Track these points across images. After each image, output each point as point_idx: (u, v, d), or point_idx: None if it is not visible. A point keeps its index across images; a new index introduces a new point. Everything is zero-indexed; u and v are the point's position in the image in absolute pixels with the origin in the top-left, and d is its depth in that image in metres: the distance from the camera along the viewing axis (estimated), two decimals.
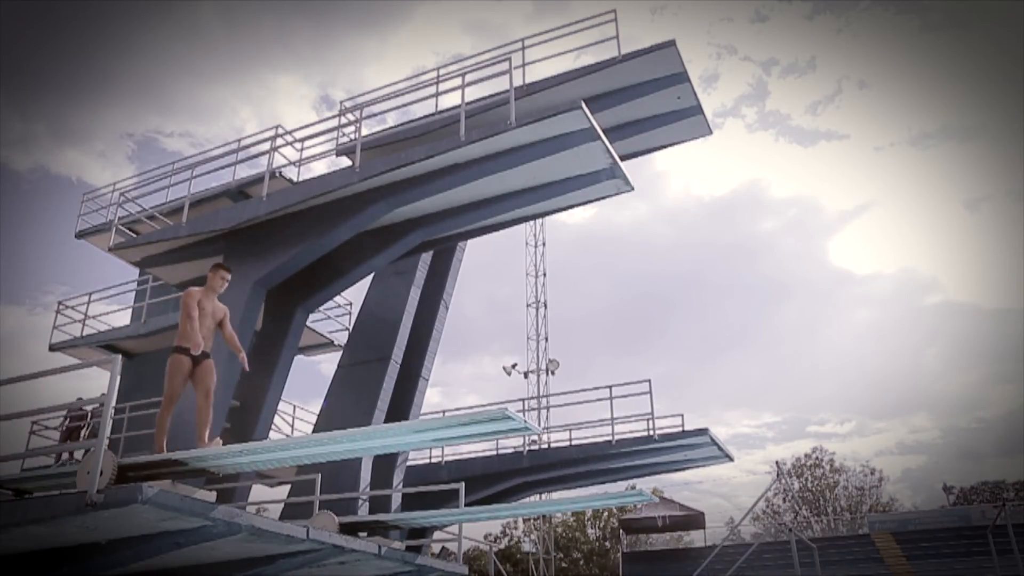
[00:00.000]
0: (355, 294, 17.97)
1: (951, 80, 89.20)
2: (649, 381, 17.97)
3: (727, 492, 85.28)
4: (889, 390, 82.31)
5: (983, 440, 77.34)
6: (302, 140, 14.21)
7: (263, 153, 13.99)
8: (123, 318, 18.80)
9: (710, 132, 15.67)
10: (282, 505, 14.14)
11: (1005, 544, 24.12)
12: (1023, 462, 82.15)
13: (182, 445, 10.82)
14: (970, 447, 76.65)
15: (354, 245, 12.93)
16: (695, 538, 43.21)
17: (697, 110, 14.91)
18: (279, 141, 13.87)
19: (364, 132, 13.86)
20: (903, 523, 37.23)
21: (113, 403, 6.65)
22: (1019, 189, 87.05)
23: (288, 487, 14.93)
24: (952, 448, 77.22)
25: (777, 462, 32.37)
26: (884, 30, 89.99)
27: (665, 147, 16.33)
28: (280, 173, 15.60)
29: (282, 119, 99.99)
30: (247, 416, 12.88)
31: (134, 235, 15.60)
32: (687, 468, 21.47)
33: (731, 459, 20.28)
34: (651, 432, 17.99)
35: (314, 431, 15.38)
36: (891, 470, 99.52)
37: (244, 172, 16.68)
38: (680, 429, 18.26)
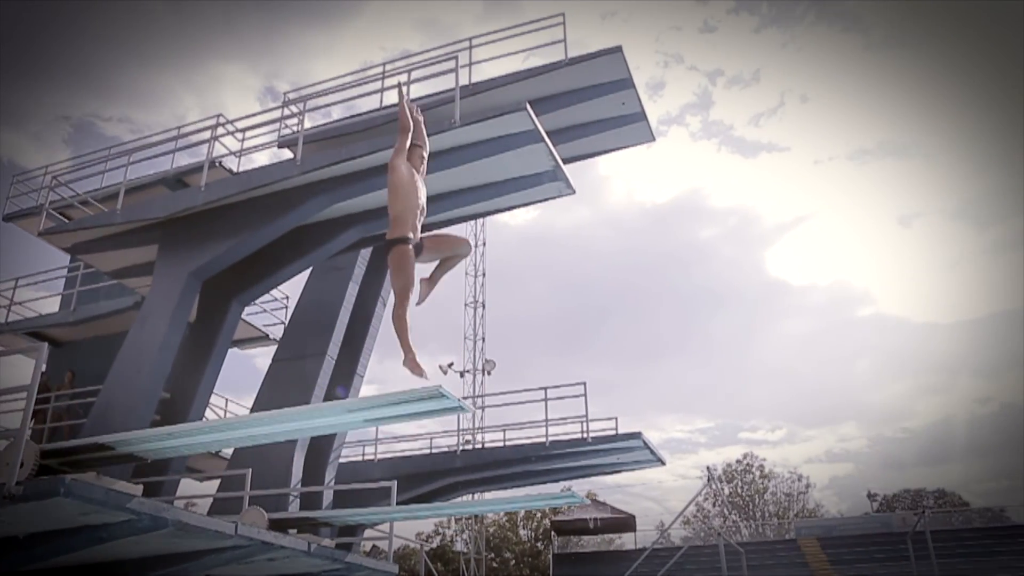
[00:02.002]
0: (292, 288, 17.79)
1: (890, 98, 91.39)
2: (584, 384, 18.09)
3: (659, 496, 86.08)
4: (819, 399, 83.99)
5: (907, 450, 79.45)
6: (243, 130, 14.01)
7: (203, 142, 13.77)
8: (51, 305, 18.35)
9: (653, 139, 15.80)
10: (211, 500, 13.94)
11: (923, 550, 24.84)
12: (943, 471, 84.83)
13: (111, 429, 10.62)
14: (895, 456, 78.64)
15: (292, 239, 12.79)
16: (626, 540, 43.57)
17: (641, 116, 15.02)
18: (220, 130, 13.67)
19: (308, 125, 13.73)
20: (828, 529, 38.02)
21: (35, 392, 6.47)
22: (951, 207, 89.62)
23: (218, 482, 14.73)
24: (878, 457, 79.19)
25: (708, 467, 32.90)
26: (827, 47, 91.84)
27: (608, 152, 16.40)
28: (220, 163, 15.36)
29: (226, 109, 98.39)
30: (178, 408, 12.66)
31: (66, 220, 15.22)
32: (620, 471, 21.62)
33: (663, 463, 20.49)
34: (585, 434, 18.09)
35: None
36: (819, 477, 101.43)
37: (183, 161, 16.37)
38: (614, 432, 18.40)
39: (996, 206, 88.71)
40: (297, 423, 6.37)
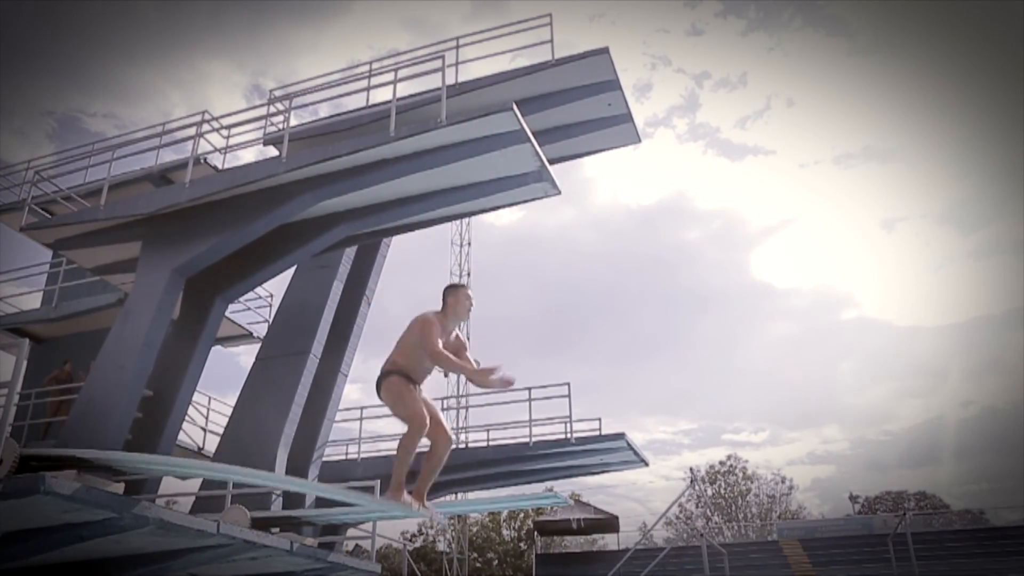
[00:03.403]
0: (276, 286, 17.73)
1: (874, 103, 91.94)
2: (568, 384, 18.12)
3: (642, 496, 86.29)
4: (803, 402, 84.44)
5: (889, 452, 79.99)
6: (229, 127, 13.96)
7: (188, 138, 13.69)
8: (33, 301, 18.22)
9: (639, 140, 15.85)
10: (193, 498, 13.88)
11: (904, 552, 24.99)
12: (925, 474, 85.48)
13: (92, 431, 10.58)
14: (876, 458, 79.18)
15: (277, 236, 12.74)
16: (609, 541, 43.59)
17: (627, 118, 15.06)
18: (205, 127, 13.61)
19: (294, 123, 13.69)
20: (810, 530, 38.18)
21: (18, 388, 6.43)
22: (934, 211, 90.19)
23: (200, 480, 14.65)
24: (859, 459, 79.66)
25: (691, 468, 32.98)
26: (814, 51, 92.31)
27: (594, 153, 16.44)
28: (205, 160, 15.29)
29: (212, 106, 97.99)
30: (160, 407, 12.59)
31: (48, 216, 15.12)
32: (603, 472, 21.65)
33: (646, 464, 20.55)
34: (569, 435, 18.11)
35: (229, 423, 15.08)
36: (801, 479, 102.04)
37: (168, 157, 16.30)
38: (597, 433, 18.43)
39: (979, 211, 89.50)
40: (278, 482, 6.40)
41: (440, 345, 5.98)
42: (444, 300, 6.31)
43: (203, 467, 6.85)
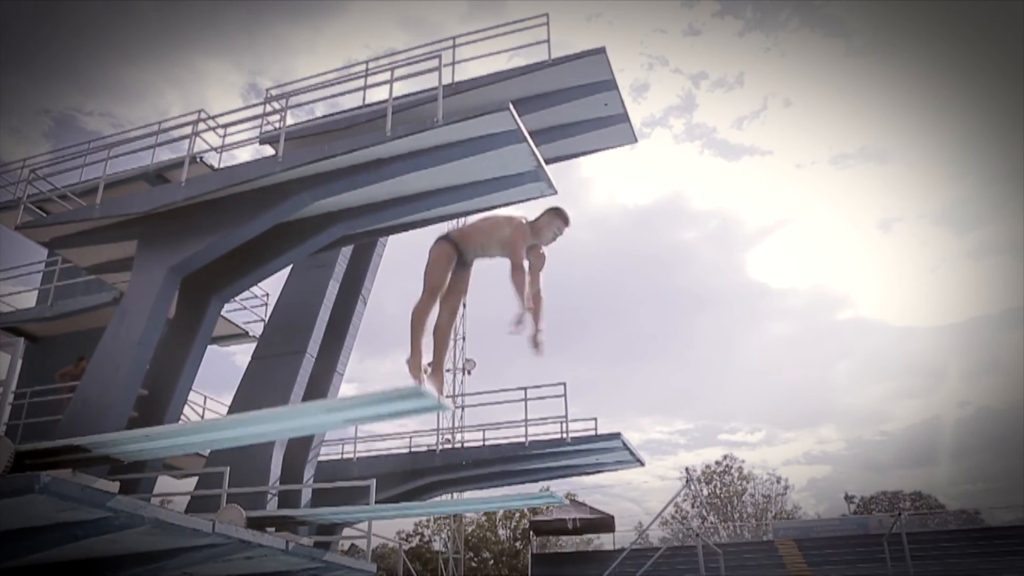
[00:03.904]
0: (272, 285, 17.73)
1: (871, 103, 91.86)
2: (564, 384, 18.14)
3: (637, 496, 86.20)
4: (799, 402, 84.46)
5: (885, 452, 79.98)
6: (225, 126, 13.96)
7: (184, 137, 13.69)
8: (28, 300, 18.20)
9: (635, 140, 15.86)
10: (188, 498, 13.87)
11: (899, 552, 25.02)
12: (920, 474, 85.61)
13: (87, 430, 10.55)
14: (872, 459, 79.17)
15: (273, 235, 12.73)
16: (605, 541, 43.63)
17: (623, 118, 15.08)
18: (201, 126, 13.60)
19: (290, 122, 13.68)
20: (805, 530, 38.18)
21: (13, 387, 6.42)
22: (930, 212, 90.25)
23: (195, 479, 14.65)
24: (855, 459, 79.69)
25: (687, 468, 32.98)
26: (811, 52, 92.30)
27: (591, 153, 16.46)
28: (201, 159, 15.29)
29: (209, 105, 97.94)
30: (155, 406, 12.59)
31: (44, 214, 15.10)
32: (599, 471, 21.66)
33: (642, 464, 20.57)
34: (565, 435, 18.12)
35: None
36: (797, 479, 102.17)
37: (164, 156, 16.29)
38: (593, 433, 18.44)
39: (976, 211, 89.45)
40: (276, 424, 6.33)
41: (524, 260, 5.81)
42: (540, 217, 6.10)
43: (206, 427, 6.76)
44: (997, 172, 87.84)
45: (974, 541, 32.62)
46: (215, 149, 14.05)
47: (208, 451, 14.94)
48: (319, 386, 15.85)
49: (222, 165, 14.38)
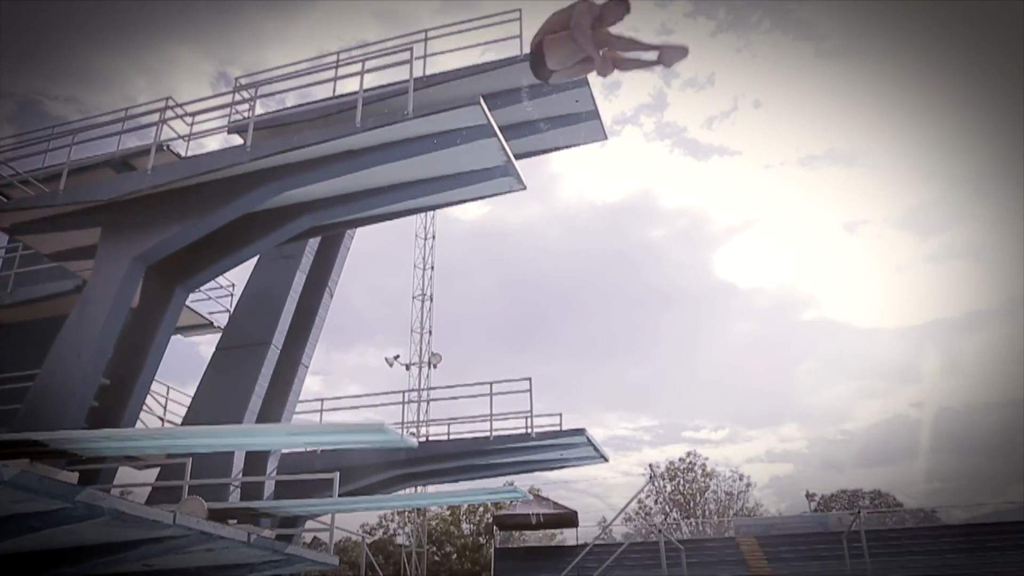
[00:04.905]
0: (238, 276, 17.56)
1: (839, 106, 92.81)
2: (529, 379, 18.19)
3: (601, 492, 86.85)
4: (762, 400, 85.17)
5: (845, 451, 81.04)
6: (193, 114, 13.82)
7: (151, 124, 13.53)
8: None
9: (605, 137, 15.91)
10: (149, 489, 13.73)
11: (858, 549, 25.42)
12: (880, 473, 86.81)
13: (47, 419, 10.43)
14: (833, 457, 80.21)
15: (240, 225, 12.63)
16: (568, 536, 43.72)
17: (594, 115, 15.12)
18: (169, 114, 13.46)
19: (260, 111, 13.57)
20: (766, 527, 38.60)
21: None
22: (895, 215, 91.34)
23: (157, 470, 14.51)
24: (817, 458, 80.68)
25: (651, 465, 33.10)
26: (781, 53, 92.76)
27: (561, 149, 16.51)
28: (168, 147, 15.11)
29: (178, 93, 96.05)
30: (117, 396, 12.42)
31: (5, 199, 14.87)
32: (563, 467, 21.73)
33: (606, 460, 20.64)
34: (529, 430, 18.16)
35: (188, 414, 14.97)
36: (759, 477, 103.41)
37: (131, 143, 16.07)
38: (558, 428, 18.50)
39: (939, 216, 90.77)
40: (237, 439, 6.32)
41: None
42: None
43: (168, 434, 6.73)
44: (960, 178, 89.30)
45: (931, 539, 33.23)
46: (183, 137, 13.90)
47: None
48: (284, 378, 15.77)
49: (189, 154, 14.23)
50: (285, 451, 17.05)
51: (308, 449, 19.01)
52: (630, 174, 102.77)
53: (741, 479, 57.51)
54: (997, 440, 75.04)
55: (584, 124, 15.34)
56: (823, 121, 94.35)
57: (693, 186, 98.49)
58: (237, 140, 14.25)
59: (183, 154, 14.73)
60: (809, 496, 54.93)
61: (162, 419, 17.01)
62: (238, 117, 14.54)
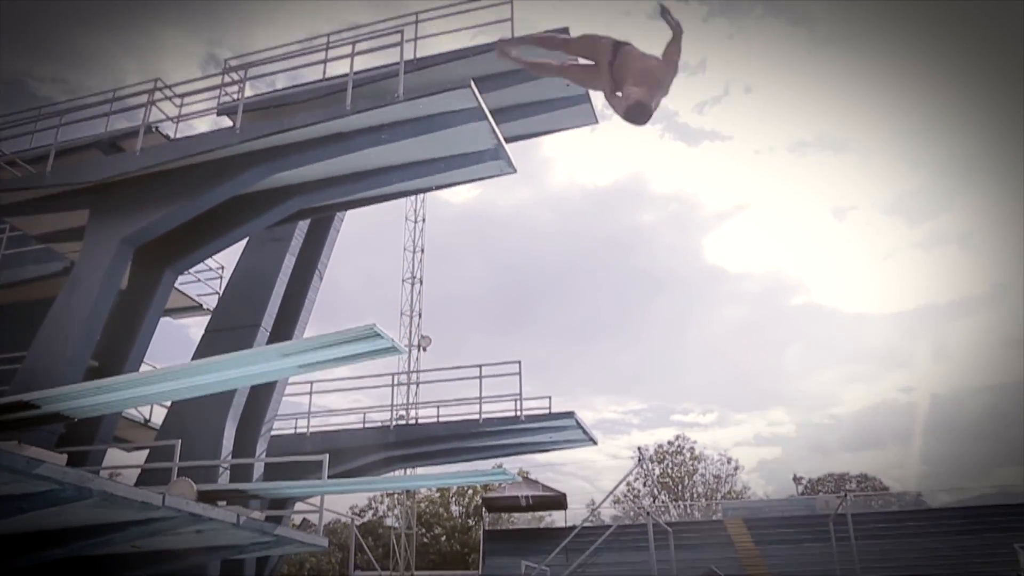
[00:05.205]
0: (227, 258, 17.53)
1: (830, 93, 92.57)
2: (519, 362, 18.26)
3: (590, 475, 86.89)
4: (751, 384, 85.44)
5: (833, 435, 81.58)
6: (182, 96, 13.74)
7: (140, 106, 13.47)
8: None
9: (596, 121, 15.94)
10: (138, 471, 13.74)
11: (844, 532, 25.58)
12: (866, 457, 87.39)
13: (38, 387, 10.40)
14: (821, 441, 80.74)
15: (229, 208, 12.60)
16: (556, 518, 43.97)
17: (585, 98, 15.10)
18: (158, 95, 13.39)
19: (249, 93, 13.51)
20: (754, 510, 38.94)
21: None
22: (884, 202, 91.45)
23: (146, 453, 14.52)
24: (805, 442, 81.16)
25: (640, 448, 33.22)
26: (773, 39, 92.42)
27: (552, 132, 16.51)
28: (156, 128, 15.03)
29: (166, 75, 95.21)
30: (106, 377, 12.43)
31: None
32: (552, 450, 21.83)
33: (595, 442, 20.74)
34: (518, 413, 18.23)
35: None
36: (747, 460, 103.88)
37: (119, 125, 15.96)
38: (547, 411, 18.57)
39: (928, 202, 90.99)
40: (230, 371, 6.28)
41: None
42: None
43: (161, 376, 6.67)
44: (949, 165, 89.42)
45: (917, 522, 33.55)
46: (171, 119, 13.83)
47: (159, 424, 14.81)
48: None
49: (179, 135, 14.16)
50: (274, 433, 17.07)
51: (298, 431, 19.07)
52: (621, 158, 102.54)
53: (729, 462, 57.89)
54: (983, 425, 75.86)
55: (575, 107, 15.33)
56: (814, 107, 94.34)
57: (684, 171, 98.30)
58: (227, 122, 14.19)
59: (172, 136, 14.66)
60: (796, 479, 55.47)
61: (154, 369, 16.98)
62: (227, 99, 14.47)
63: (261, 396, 15.32)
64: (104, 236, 12.21)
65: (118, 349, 12.73)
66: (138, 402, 7.03)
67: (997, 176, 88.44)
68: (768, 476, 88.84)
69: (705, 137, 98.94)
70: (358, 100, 11.24)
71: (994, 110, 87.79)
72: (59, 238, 14.14)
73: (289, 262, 15.89)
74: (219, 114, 14.52)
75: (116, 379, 6.95)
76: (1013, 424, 75.57)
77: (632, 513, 48.20)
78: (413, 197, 30.72)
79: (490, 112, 11.30)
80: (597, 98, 15.17)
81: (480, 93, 10.93)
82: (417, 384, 24.54)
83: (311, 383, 19.33)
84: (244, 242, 15.70)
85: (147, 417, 17.21)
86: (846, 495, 29.47)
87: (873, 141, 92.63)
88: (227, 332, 15.25)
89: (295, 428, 19.43)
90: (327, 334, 5.30)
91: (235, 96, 14.06)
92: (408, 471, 22.79)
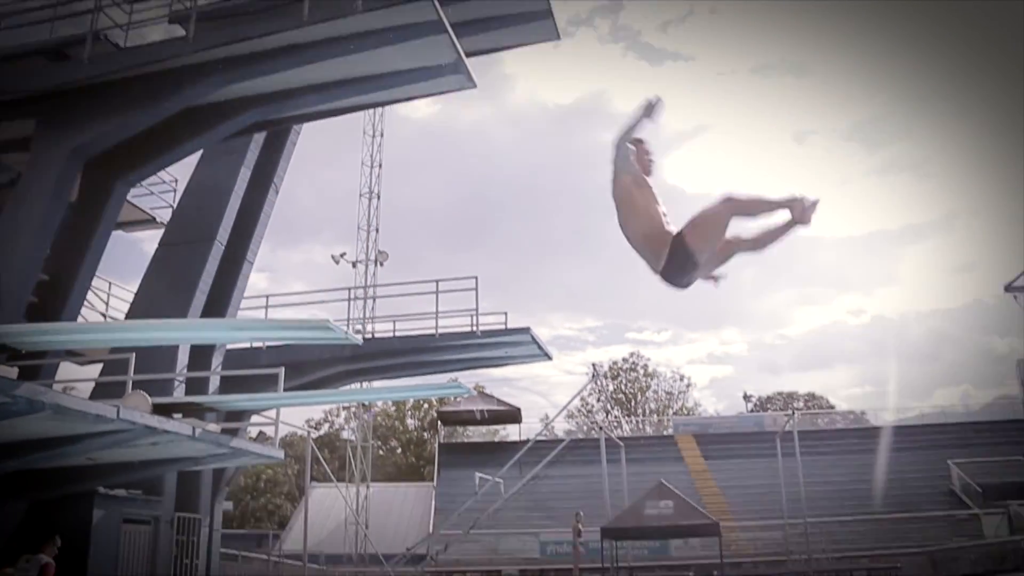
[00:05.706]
0: (181, 171, 17.22)
1: (793, 16, 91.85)
2: (476, 278, 18.33)
3: (544, 390, 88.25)
4: (705, 304, 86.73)
5: (783, 355, 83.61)
6: (132, 2, 13.28)
7: (86, 11, 12.99)
8: None
9: (558, 37, 15.75)
10: (92, 385, 13.69)
11: (790, 448, 26.34)
12: (814, 377, 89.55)
13: None
14: (771, 361, 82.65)
15: (183, 119, 12.33)
16: (511, 432, 44.71)
17: (547, 14, 14.89)
18: (106, 0, 12.93)
19: (202, 1, 13.12)
20: (704, 427, 39.94)
21: None
22: (843, 127, 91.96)
23: (100, 366, 14.44)
24: (755, 361, 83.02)
25: (594, 364, 33.62)
26: None
27: (512, 47, 16.31)
28: (105, 36, 14.54)
29: None
30: (57, 291, 12.24)
31: None
32: (507, 364, 22.11)
33: (550, 358, 21.01)
34: (474, 328, 18.35)
35: (130, 310, 14.85)
36: (699, 378, 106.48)
37: (65, 32, 15.40)
38: (503, 327, 18.71)
39: (885, 130, 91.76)
40: (178, 333, 6.29)
41: None
42: None
43: (110, 328, 6.69)
44: (906, 94, 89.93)
45: (859, 439, 34.78)
46: (120, 26, 13.36)
47: None
48: (228, 274, 15.65)
49: (129, 44, 13.73)
50: (230, 346, 17.04)
51: (253, 345, 19.04)
52: (583, 77, 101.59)
53: (681, 379, 59.08)
54: (927, 347, 78.02)
55: (537, 23, 15.12)
56: (778, 30, 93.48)
57: (646, 90, 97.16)
58: (179, 31, 13.77)
59: (122, 44, 14.21)
60: (746, 397, 56.77)
61: (104, 315, 16.82)
62: (180, 6, 14.01)
63: (216, 311, 15.23)
64: (52, 147, 11.92)
65: (68, 263, 12.53)
66: (83, 345, 6.98)
67: (953, 106, 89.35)
68: (719, 393, 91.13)
69: (668, 57, 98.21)
70: (316, 10, 10.97)
71: (954, 42, 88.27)
72: (5, 148, 13.77)
73: (244, 175, 15.67)
74: (171, 22, 14.06)
75: (62, 325, 6.90)
76: (956, 347, 78.13)
77: (585, 428, 49.09)
78: (371, 111, 30.23)
79: (451, 25, 11.12)
80: (560, 14, 14.99)
81: (441, 5, 10.74)
82: (374, 299, 24.56)
83: (267, 297, 19.30)
84: (198, 154, 15.42)
85: None
86: (793, 413, 30.25)
87: (834, 66, 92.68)
88: (181, 246, 15.11)
89: (250, 342, 19.40)
90: (282, 320, 5.32)
91: (188, 3, 13.63)
92: (364, 385, 22.96)
